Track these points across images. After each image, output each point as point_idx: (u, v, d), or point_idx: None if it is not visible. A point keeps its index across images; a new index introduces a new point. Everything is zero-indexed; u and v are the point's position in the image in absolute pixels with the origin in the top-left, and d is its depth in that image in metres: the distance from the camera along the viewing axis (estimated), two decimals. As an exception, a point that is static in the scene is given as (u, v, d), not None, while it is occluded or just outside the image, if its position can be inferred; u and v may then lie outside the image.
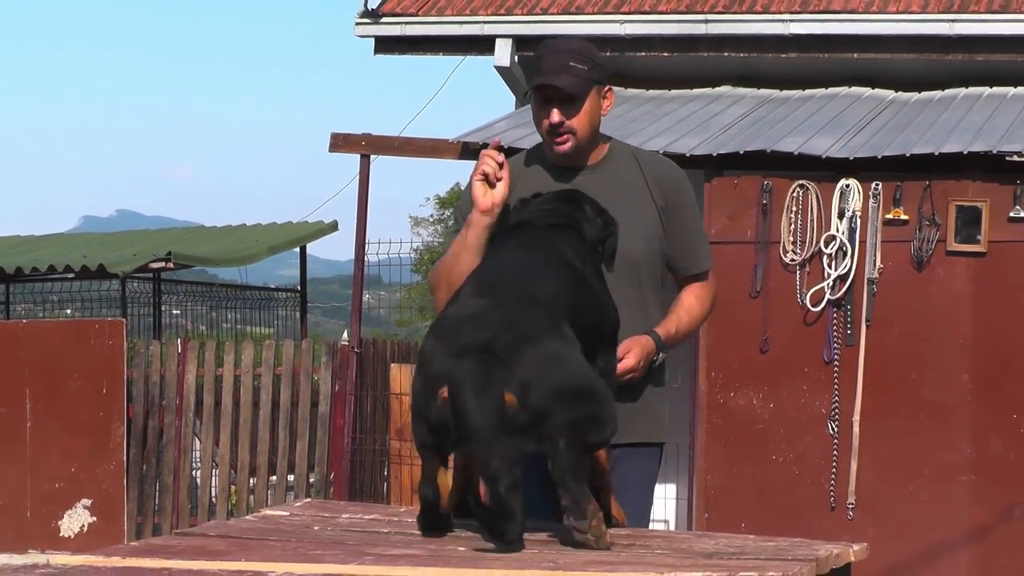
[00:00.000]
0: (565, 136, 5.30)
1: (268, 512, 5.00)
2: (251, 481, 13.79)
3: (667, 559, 4.07)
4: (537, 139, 5.52)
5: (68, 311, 21.47)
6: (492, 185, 5.19)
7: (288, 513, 4.92)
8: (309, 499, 7.35)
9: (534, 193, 5.14)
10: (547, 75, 5.28)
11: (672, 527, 12.51)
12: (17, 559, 12.23)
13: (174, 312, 22.63)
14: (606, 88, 5.42)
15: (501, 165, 5.20)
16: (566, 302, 4.53)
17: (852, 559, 4.49)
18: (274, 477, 13.82)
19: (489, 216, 5.17)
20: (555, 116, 5.28)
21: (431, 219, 46.58)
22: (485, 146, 5.69)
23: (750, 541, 4.60)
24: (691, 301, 5.55)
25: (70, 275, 18.18)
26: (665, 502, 12.26)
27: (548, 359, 4.27)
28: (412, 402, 4.41)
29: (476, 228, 5.21)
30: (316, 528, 4.58)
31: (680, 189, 5.51)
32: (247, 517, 4.97)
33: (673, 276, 5.58)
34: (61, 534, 13.26)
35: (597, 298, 4.81)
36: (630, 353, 5.22)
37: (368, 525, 4.71)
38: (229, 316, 23.17)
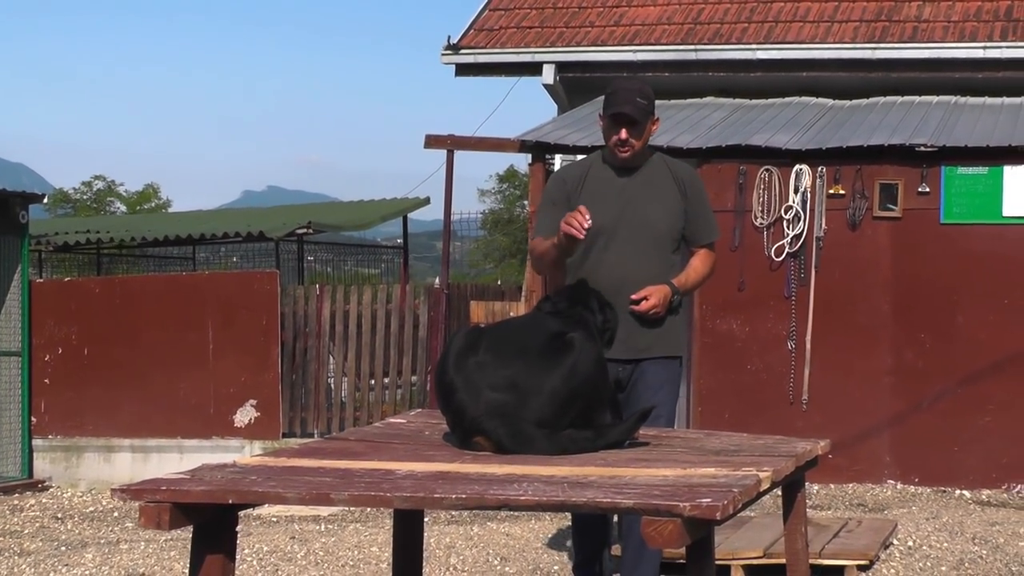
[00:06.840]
0: (627, 148, 5.44)
1: (392, 420, 4.91)
2: (371, 382, 13.76)
3: (687, 456, 3.94)
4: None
5: (234, 260, 21.47)
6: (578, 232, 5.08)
7: (406, 421, 4.82)
8: (420, 409, 7.25)
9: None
10: (620, 105, 5.40)
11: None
12: (211, 459, 12.23)
13: (309, 260, 22.56)
14: (655, 118, 5.53)
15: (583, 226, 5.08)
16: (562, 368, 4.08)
17: (819, 453, 4.38)
18: (387, 379, 13.78)
19: (571, 242, 5.16)
20: (623, 134, 5.41)
21: (493, 191, 46.07)
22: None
23: (744, 439, 4.47)
24: (697, 263, 5.66)
25: (239, 239, 18.15)
26: (669, 399, 12.17)
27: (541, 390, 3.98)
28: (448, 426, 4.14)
29: (559, 244, 5.27)
30: (427, 433, 4.45)
31: (695, 184, 5.65)
32: (376, 424, 4.86)
33: (687, 246, 5.67)
34: (235, 424, 13.23)
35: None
36: (651, 295, 5.39)
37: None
38: (348, 263, 23.08)
